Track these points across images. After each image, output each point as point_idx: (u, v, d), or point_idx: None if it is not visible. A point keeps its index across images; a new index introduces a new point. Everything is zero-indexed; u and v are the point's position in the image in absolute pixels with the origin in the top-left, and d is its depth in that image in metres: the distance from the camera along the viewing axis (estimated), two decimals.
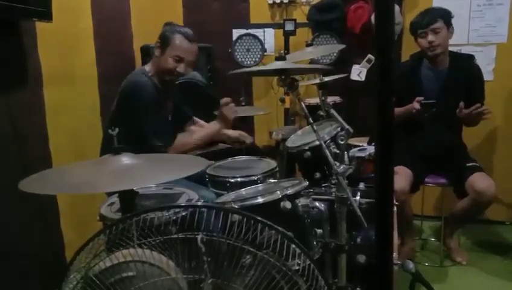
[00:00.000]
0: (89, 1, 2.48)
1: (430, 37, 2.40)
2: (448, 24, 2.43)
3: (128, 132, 1.66)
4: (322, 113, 2.19)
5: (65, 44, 2.27)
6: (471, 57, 2.57)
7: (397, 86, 2.44)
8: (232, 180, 2.04)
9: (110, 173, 1.21)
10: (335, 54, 3.07)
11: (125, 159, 1.27)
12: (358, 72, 2.24)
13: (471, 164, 2.44)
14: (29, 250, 1.98)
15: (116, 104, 2.10)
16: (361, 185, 1.82)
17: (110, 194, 1.77)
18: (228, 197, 1.70)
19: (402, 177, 2.37)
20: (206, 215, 1.03)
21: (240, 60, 3.24)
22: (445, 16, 2.43)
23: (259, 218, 1.01)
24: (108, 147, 1.35)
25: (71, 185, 1.21)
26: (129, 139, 1.46)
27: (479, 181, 2.30)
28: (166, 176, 1.25)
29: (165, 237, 1.04)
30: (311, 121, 1.46)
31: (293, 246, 1.02)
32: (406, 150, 2.51)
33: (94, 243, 1.03)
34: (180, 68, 2.06)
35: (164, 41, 2.05)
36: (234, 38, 3.29)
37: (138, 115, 1.99)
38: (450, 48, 2.53)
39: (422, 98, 2.41)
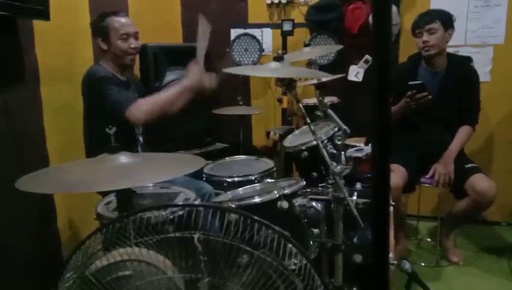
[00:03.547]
0: None
1: (425, 37, 2.42)
2: (447, 26, 2.43)
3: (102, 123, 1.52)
4: (319, 113, 2.19)
5: (63, 42, 2.26)
6: (468, 59, 2.58)
7: (395, 87, 2.44)
8: (230, 180, 2.05)
9: (108, 172, 1.21)
10: (333, 54, 3.07)
11: (123, 158, 1.27)
12: (356, 73, 2.23)
13: (470, 165, 2.45)
14: (26, 249, 1.98)
15: (83, 101, 2.09)
16: (358, 185, 1.82)
17: (104, 194, 1.76)
18: (225, 196, 1.71)
19: (396, 174, 2.37)
20: (203, 215, 1.03)
21: (237, 59, 3.24)
22: (443, 18, 2.43)
23: (256, 217, 1.01)
24: (98, 147, 1.35)
25: (68, 183, 1.21)
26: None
27: (480, 182, 2.31)
28: (163, 175, 1.25)
29: (161, 236, 1.04)
30: (309, 121, 1.46)
31: (290, 245, 1.02)
32: (402, 150, 2.52)
33: (91, 241, 1.03)
34: (133, 43, 2.09)
35: (103, 32, 2.06)
36: (232, 38, 3.29)
37: (101, 91, 1.95)
38: (448, 49, 2.53)
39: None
